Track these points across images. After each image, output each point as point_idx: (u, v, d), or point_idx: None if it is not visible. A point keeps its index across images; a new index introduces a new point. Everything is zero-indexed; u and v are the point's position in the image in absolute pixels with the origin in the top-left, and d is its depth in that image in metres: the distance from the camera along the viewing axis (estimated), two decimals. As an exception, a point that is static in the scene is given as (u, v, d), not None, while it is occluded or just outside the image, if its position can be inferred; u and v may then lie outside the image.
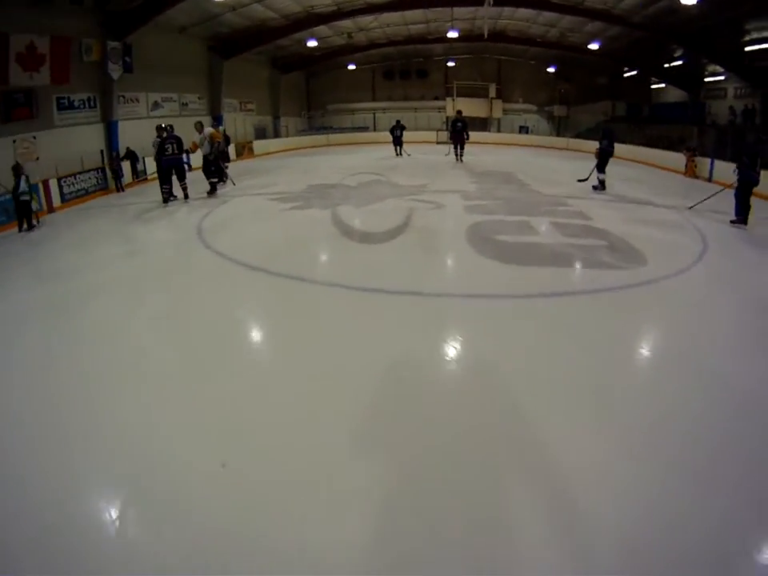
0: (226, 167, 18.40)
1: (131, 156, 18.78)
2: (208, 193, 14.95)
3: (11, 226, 12.95)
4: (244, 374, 4.85)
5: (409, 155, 24.01)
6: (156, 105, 22.12)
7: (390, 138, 24.81)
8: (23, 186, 12.60)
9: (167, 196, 14.34)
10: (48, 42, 15.52)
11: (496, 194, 13.75)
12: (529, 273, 7.50)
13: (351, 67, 34.42)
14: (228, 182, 17.15)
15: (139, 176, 19.07)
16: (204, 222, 11.53)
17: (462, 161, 20.54)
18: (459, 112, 21.24)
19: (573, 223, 10.23)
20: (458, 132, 20.59)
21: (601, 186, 14.30)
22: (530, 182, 15.81)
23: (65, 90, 16.99)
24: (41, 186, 15.32)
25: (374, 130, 35.95)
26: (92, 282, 7.82)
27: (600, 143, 14.30)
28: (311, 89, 38.47)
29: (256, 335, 6.11)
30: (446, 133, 29.82)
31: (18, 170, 12.80)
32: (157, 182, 14.86)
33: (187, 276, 8.12)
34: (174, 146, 14.10)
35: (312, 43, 26.40)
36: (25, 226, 12.56)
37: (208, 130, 15.07)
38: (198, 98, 25.27)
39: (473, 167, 19.04)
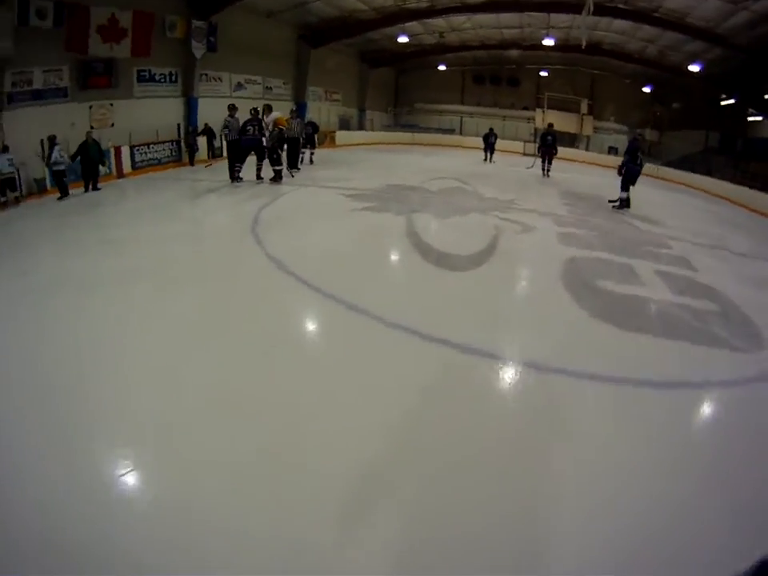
0: (312, 153, 19.24)
1: (209, 133, 18.95)
2: (271, 179, 14.39)
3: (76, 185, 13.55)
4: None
5: (494, 163, 23.82)
6: (239, 85, 22.42)
7: (482, 145, 24.97)
8: (56, 155, 12.86)
9: (237, 175, 14.29)
10: (130, 15, 15.94)
11: (591, 222, 12.05)
12: (631, 341, 5.76)
13: (441, 68, 33.83)
14: (299, 169, 16.73)
15: (215, 153, 19.16)
16: (263, 213, 10.73)
17: (548, 176, 19.60)
18: (551, 125, 20.23)
19: (679, 274, 8.46)
20: (548, 146, 19.60)
21: (621, 204, 13.76)
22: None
23: (146, 62, 17.37)
24: (112, 151, 15.66)
25: (460, 133, 35.34)
26: (115, 268, 7.18)
27: (624, 158, 13.93)
28: (400, 85, 38.42)
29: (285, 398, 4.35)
30: (532, 145, 28.98)
31: (52, 141, 13.13)
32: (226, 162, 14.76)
33: (222, 282, 6.86)
34: (256, 127, 14.03)
35: (403, 39, 25.96)
36: (59, 194, 12.96)
37: (275, 114, 14.57)
38: (283, 83, 25.49)
39: (562, 186, 17.47)
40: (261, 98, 22.75)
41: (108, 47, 15.62)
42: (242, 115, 14.27)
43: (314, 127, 19.82)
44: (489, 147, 24.55)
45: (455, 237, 9.76)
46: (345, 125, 31.49)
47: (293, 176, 15.66)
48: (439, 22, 25.95)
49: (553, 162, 19.88)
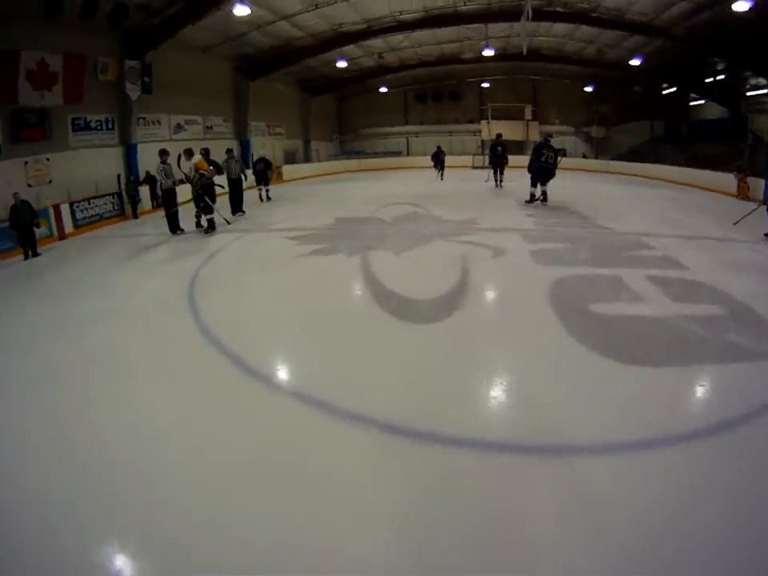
0: (268, 190, 18.78)
1: (151, 181, 17.67)
2: (204, 230, 12.98)
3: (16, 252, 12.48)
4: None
5: (442, 180, 23.50)
6: (179, 127, 21.27)
7: (431, 163, 25.16)
8: None
9: (178, 225, 13.29)
10: (61, 59, 14.78)
11: (560, 233, 10.91)
12: (657, 381, 4.58)
13: (383, 90, 33.44)
14: (243, 212, 15.54)
15: (159, 202, 18.06)
16: (202, 271, 9.18)
17: (501, 186, 19.03)
18: (499, 135, 19.65)
19: (670, 277, 7.55)
20: (498, 156, 19.01)
21: (532, 198, 14.96)
22: (590, 213, 13.25)
23: (80, 110, 16.24)
24: (51, 210, 14.47)
25: (407, 154, 34.97)
26: (22, 367, 5.65)
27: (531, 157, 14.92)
28: (342, 112, 37.83)
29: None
30: (481, 157, 29.01)
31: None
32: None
33: (148, 379, 5.15)
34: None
35: (342, 64, 25.34)
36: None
37: (195, 158, 12.99)
38: (224, 121, 24.39)
39: (518, 196, 16.14)
40: (202, 139, 21.77)
41: (39, 95, 14.42)
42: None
43: (266, 163, 18.74)
44: (439, 164, 24.61)
45: (418, 275, 8.19)
46: (290, 158, 30.44)
47: (229, 223, 13.97)
48: (377, 43, 25.28)
49: (505, 171, 19.36)
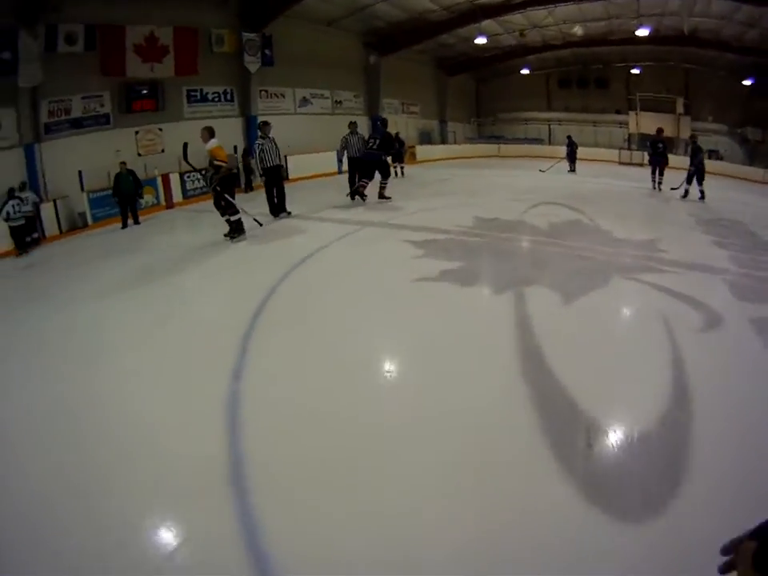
0: (402, 168, 18.15)
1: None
2: (229, 236, 9.50)
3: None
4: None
5: (574, 173, 20.91)
6: (304, 101, 20.57)
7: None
8: (9, 210, 11.06)
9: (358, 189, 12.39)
10: (171, 32, 14.67)
11: None
12: None
13: (524, 71, 30.19)
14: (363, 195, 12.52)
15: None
16: (282, 288, 6.53)
17: (660, 189, 15.83)
18: (660, 130, 16.64)
19: None
20: (659, 155, 15.91)
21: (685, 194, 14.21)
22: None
23: (196, 81, 16.00)
24: (160, 179, 14.12)
25: (549, 143, 31.35)
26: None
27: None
28: (480, 94, 34.68)
29: None
30: (628, 152, 26.52)
31: (10, 194, 11.33)
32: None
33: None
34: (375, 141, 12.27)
35: (481, 40, 22.87)
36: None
37: (212, 142, 9.21)
38: (354, 96, 23.41)
39: (689, 208, 12.70)
40: (331, 114, 21.39)
41: (148, 67, 14.42)
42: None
43: (400, 142, 18.19)
44: (569, 156, 21.78)
45: (607, 355, 4.53)
46: (426, 138, 29.02)
47: (261, 225, 10.27)
48: (518, 19, 22.91)
49: (665, 173, 16.17)
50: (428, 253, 7.74)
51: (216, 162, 9.08)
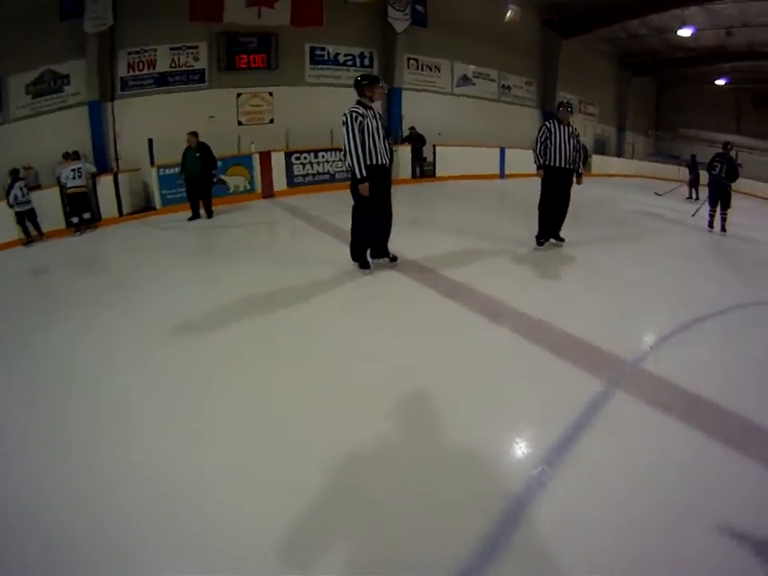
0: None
1: (416, 140, 13.03)
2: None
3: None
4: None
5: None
6: (465, 80, 15.94)
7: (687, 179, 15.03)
8: (16, 193, 8.73)
9: None
10: None
11: None
12: None
13: (720, 82, 22.79)
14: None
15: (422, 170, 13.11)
16: None
17: None
18: None
19: None
20: None
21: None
22: None
23: (322, 37, 12.43)
24: (256, 159, 10.26)
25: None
26: None
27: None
28: (661, 102, 27.33)
29: None
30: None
31: (14, 176, 8.92)
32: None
33: None
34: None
35: (686, 32, 16.64)
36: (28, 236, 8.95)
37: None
38: (526, 83, 18.25)
39: None
40: (496, 100, 16.70)
41: (254, 13, 11.10)
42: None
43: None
44: (692, 182, 14.61)
45: None
46: (600, 147, 22.78)
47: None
48: (728, 11, 16.24)
49: None
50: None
51: None
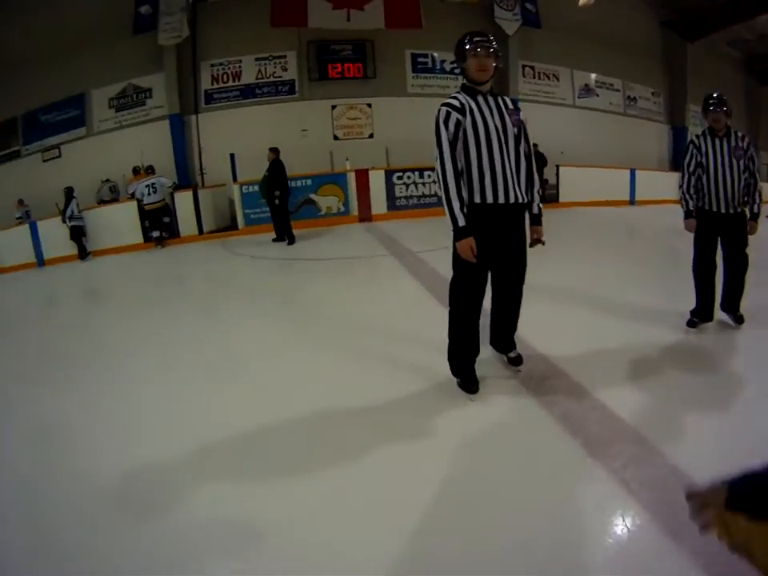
0: None
1: (539, 160, 11.04)
2: None
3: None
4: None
5: None
6: (587, 90, 14.03)
7: None
8: (72, 209, 9.03)
9: None
10: None
11: None
12: None
13: None
14: None
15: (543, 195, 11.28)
16: None
17: None
18: None
19: None
20: None
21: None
22: None
23: (425, 43, 11.11)
24: (351, 178, 8.89)
25: None
26: None
27: None
28: None
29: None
30: None
31: (69, 193, 9.10)
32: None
33: None
34: None
35: None
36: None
37: None
38: (653, 94, 15.88)
39: None
40: (622, 113, 14.67)
41: (342, 15, 10.16)
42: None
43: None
44: None
45: None
46: None
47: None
48: None
49: None
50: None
51: None
